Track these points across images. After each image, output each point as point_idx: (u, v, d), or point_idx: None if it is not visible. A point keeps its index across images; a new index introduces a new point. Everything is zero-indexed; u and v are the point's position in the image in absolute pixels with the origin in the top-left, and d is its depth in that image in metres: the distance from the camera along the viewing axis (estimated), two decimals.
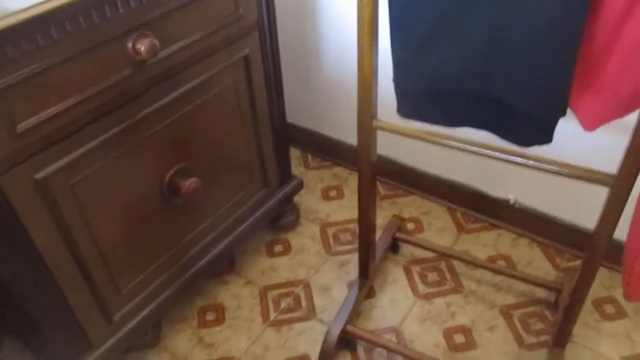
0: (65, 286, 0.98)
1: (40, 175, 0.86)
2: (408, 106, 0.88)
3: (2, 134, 0.79)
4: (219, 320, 1.34)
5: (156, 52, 0.92)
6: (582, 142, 1.21)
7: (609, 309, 1.31)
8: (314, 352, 1.25)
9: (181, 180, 1.09)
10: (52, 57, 0.80)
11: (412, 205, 1.61)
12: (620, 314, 1.30)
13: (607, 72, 0.76)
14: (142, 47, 0.89)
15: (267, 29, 1.17)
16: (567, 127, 1.17)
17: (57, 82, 0.83)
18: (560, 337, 1.15)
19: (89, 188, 0.95)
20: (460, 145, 0.91)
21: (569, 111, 0.81)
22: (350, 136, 1.68)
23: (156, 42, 0.91)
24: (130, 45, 0.89)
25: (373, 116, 0.96)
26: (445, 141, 0.92)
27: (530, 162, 0.87)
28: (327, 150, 1.77)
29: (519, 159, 0.87)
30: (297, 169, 1.74)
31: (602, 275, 1.38)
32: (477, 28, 0.74)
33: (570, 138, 1.23)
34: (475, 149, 0.89)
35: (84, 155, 0.91)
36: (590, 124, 0.81)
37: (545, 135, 0.80)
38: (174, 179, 1.09)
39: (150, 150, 1.03)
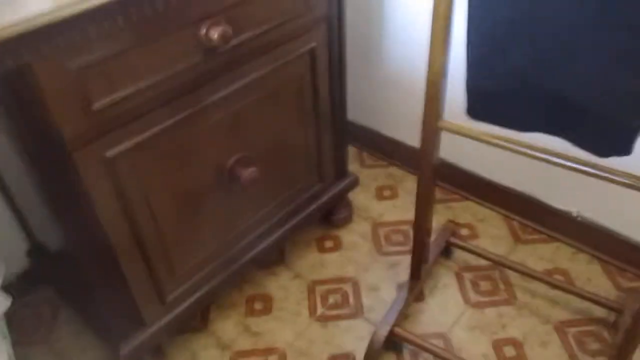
0: (123, 262, 1.01)
1: (110, 153, 0.89)
2: (479, 108, 0.86)
3: (79, 111, 0.81)
4: (266, 310, 1.35)
5: (228, 40, 0.93)
6: None
7: None
8: (359, 351, 1.24)
9: (241, 169, 1.11)
10: (130, 39, 0.83)
11: (467, 211, 1.57)
12: None
13: None
14: (215, 34, 0.90)
15: (335, 24, 1.17)
16: None
17: (132, 64, 0.85)
18: (615, 358, 1.10)
19: (153, 169, 0.97)
20: (528, 150, 0.88)
21: None
22: (408, 137, 1.65)
23: (229, 29, 0.92)
24: (203, 31, 0.91)
25: (439, 116, 0.95)
26: (513, 146, 0.89)
27: (603, 173, 0.83)
28: (383, 149, 1.75)
29: (590, 169, 0.83)
30: (352, 166, 1.73)
31: None
32: (559, 27, 0.72)
33: None
34: (543, 155, 0.86)
35: (150, 137, 0.93)
36: None
37: (624, 145, 0.76)
38: (234, 167, 1.10)
39: (214, 137, 1.05)
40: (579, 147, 0.83)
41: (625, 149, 0.77)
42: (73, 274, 1.15)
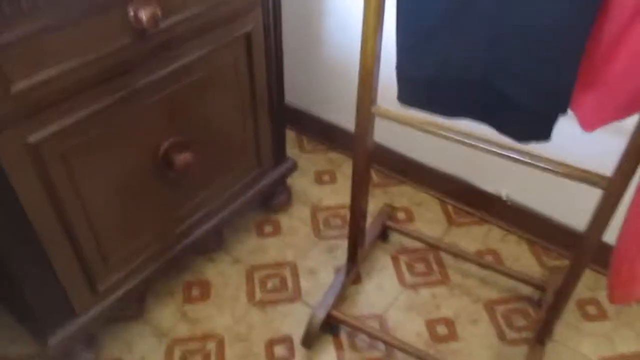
0: (51, 252, 0.97)
1: (32, 139, 0.85)
2: (409, 94, 0.87)
3: (1, 96, 0.77)
4: (204, 296, 1.34)
5: (157, 22, 0.90)
6: (578, 143, 1.21)
7: (591, 310, 1.32)
8: (297, 334, 1.25)
9: (175, 154, 1.08)
10: (52, 18, 0.79)
11: (404, 195, 1.61)
12: (602, 315, 1.31)
13: (609, 73, 0.75)
14: (144, 15, 0.87)
15: (271, 7, 1.16)
16: (564, 127, 1.17)
17: (55, 45, 0.81)
18: (542, 335, 1.16)
19: (80, 155, 0.94)
20: (457, 137, 0.90)
21: (568, 111, 0.81)
22: (347, 121, 1.67)
23: (158, 11, 0.90)
24: (132, 12, 0.88)
25: (372, 102, 0.96)
26: (443, 132, 0.91)
27: (526, 159, 0.87)
28: (323, 134, 1.76)
29: (515, 154, 0.87)
30: (291, 151, 1.74)
31: (587, 276, 1.39)
32: (485, 16, 0.74)
33: (567, 138, 1.23)
34: (471, 141, 0.89)
35: (78, 122, 0.90)
36: (589, 125, 0.81)
37: (543, 132, 0.80)
38: (168, 153, 1.08)
39: (145, 122, 1.02)
40: (501, 133, 0.86)
41: (543, 136, 0.81)
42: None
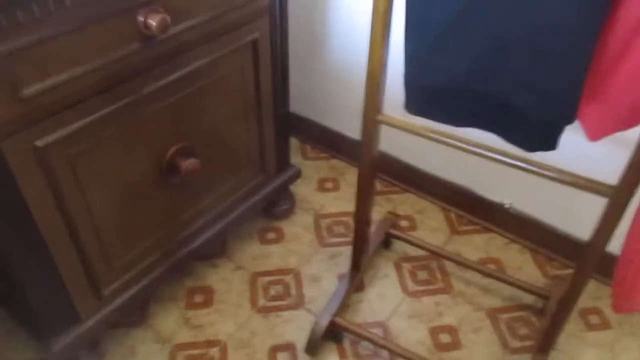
0: (56, 256, 0.97)
1: (40, 143, 0.85)
2: (416, 103, 0.88)
3: (6, 98, 0.78)
4: (207, 303, 1.34)
5: (166, 29, 0.91)
6: (583, 152, 1.22)
7: (594, 319, 1.33)
8: (301, 341, 1.25)
9: (181, 159, 1.09)
10: (63, 24, 0.79)
11: (407, 203, 1.61)
12: (605, 325, 1.31)
13: (613, 85, 0.76)
14: (154, 22, 0.88)
15: (278, 15, 1.17)
16: (570, 136, 1.17)
17: (65, 50, 0.82)
18: (545, 344, 1.16)
19: (88, 160, 0.94)
20: (463, 145, 0.91)
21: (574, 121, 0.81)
22: (350, 129, 1.68)
23: (167, 18, 0.90)
24: (141, 19, 0.88)
25: (379, 110, 0.96)
26: (448, 140, 0.92)
27: (532, 167, 0.87)
28: (326, 141, 1.76)
29: (520, 163, 0.88)
30: (295, 158, 1.74)
31: (590, 286, 1.39)
32: (493, 26, 0.74)
33: (572, 147, 1.23)
34: (477, 150, 0.90)
35: (86, 126, 0.90)
36: (594, 134, 0.82)
37: (550, 141, 0.81)
38: (173, 158, 1.08)
39: (152, 128, 1.03)
40: (508, 142, 0.87)
41: (549, 145, 0.82)
42: (3, 271, 1.09)
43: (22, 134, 0.82)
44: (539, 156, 0.88)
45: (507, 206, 1.46)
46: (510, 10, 0.74)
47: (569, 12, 0.69)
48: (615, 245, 0.93)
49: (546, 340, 1.15)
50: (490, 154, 0.89)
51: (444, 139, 0.92)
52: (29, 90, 0.80)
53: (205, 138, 1.16)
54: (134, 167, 1.03)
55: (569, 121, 0.77)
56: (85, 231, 1.00)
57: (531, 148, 0.84)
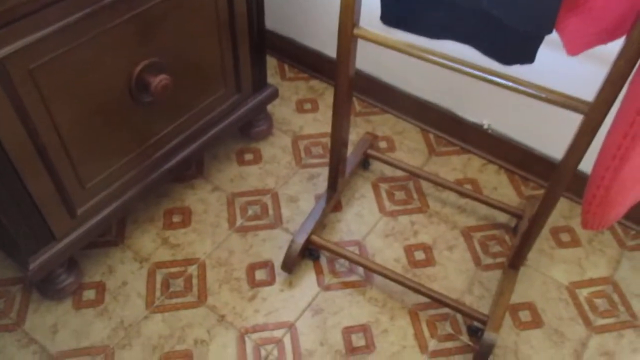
0: (26, 176, 0.95)
1: (5, 60, 0.81)
2: (392, 13, 0.84)
3: None
4: (185, 223, 1.34)
5: None
6: (561, 70, 1.20)
7: (565, 237, 1.36)
8: (278, 259, 1.27)
9: (151, 76, 1.05)
10: None
11: (386, 124, 1.60)
12: (575, 242, 1.35)
13: None
14: None
15: None
16: (548, 53, 1.15)
17: None
18: (515, 260, 1.19)
19: (50, 74, 0.90)
20: (440, 59, 0.88)
21: (553, 37, 0.79)
22: (329, 48, 1.63)
23: None
24: None
25: (355, 24, 0.93)
26: (425, 55, 0.89)
27: (509, 83, 0.85)
28: (305, 61, 1.72)
29: (497, 79, 0.86)
30: (273, 78, 1.70)
31: (562, 205, 1.42)
32: None
33: (550, 65, 1.22)
34: (455, 65, 0.87)
35: (45, 38, 0.86)
36: (573, 48, 0.79)
37: (528, 54, 0.78)
38: (143, 74, 1.05)
39: (117, 41, 0.98)
40: (485, 55, 0.84)
41: (528, 58, 0.80)
42: None
43: None
44: (517, 73, 0.86)
45: (485, 127, 1.46)
46: None
47: None
48: (588, 165, 0.94)
49: (517, 257, 1.19)
50: (467, 69, 0.86)
51: (420, 53, 0.89)
52: None
53: (176, 55, 1.11)
54: (101, 83, 0.99)
55: (547, 31, 0.74)
56: (55, 151, 0.98)
57: (509, 60, 0.82)
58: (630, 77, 0.77)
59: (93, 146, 1.05)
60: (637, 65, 0.76)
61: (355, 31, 0.94)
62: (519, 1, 0.72)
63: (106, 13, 0.93)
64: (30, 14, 0.82)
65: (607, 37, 0.78)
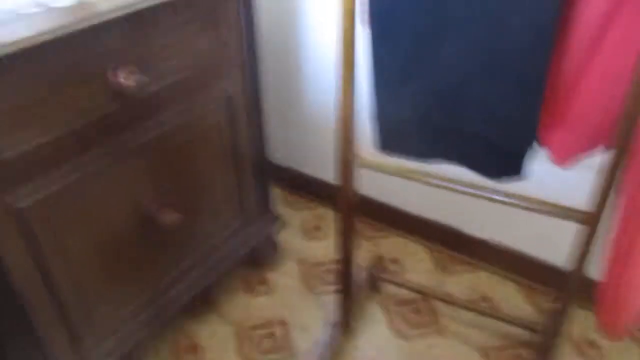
0: (36, 319, 0.95)
1: (19, 204, 0.86)
2: (385, 140, 0.90)
3: None
4: (195, 358, 1.31)
5: (142, 87, 0.94)
6: (558, 180, 1.24)
7: (588, 350, 1.30)
8: None
9: (162, 215, 1.09)
10: (37, 88, 0.82)
11: (393, 245, 1.61)
12: (599, 356, 1.29)
13: (574, 107, 0.79)
14: (127, 81, 0.91)
15: (249, 71, 1.20)
16: (545, 165, 1.19)
17: (41, 112, 0.84)
18: None
19: (67, 220, 0.94)
20: (433, 180, 0.92)
21: (535, 147, 0.83)
22: (332, 176, 1.70)
23: (143, 77, 0.93)
24: (114, 79, 0.91)
25: (352, 151, 0.98)
26: (419, 177, 0.94)
27: (507, 199, 0.88)
28: (311, 190, 1.78)
29: (494, 195, 0.89)
30: (279, 208, 1.75)
31: (585, 317, 1.38)
32: (451, 59, 0.78)
33: (549, 176, 1.25)
34: (446, 184, 0.91)
35: (65, 186, 0.91)
36: (560, 160, 0.84)
37: (514, 168, 0.82)
38: (155, 214, 1.09)
39: (131, 184, 1.04)
40: (474, 172, 0.88)
41: (514, 172, 0.83)
42: None
43: (1, 195, 0.83)
44: (513, 187, 0.89)
45: (488, 240, 1.46)
46: (464, 40, 0.77)
47: (522, 37, 0.72)
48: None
49: None
50: (458, 187, 0.90)
51: (414, 175, 0.94)
52: (7, 153, 0.81)
53: (185, 192, 1.17)
54: (115, 225, 1.03)
55: (528, 146, 0.78)
56: (67, 292, 0.99)
57: (496, 176, 0.86)
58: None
59: (105, 287, 1.07)
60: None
61: (353, 158, 0.99)
62: (499, 121, 0.78)
63: (121, 161, 0.99)
64: (53, 165, 0.88)
65: (590, 146, 0.83)
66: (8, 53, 0.75)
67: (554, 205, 0.87)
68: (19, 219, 0.86)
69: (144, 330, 1.17)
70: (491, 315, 1.34)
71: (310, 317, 1.41)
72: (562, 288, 0.98)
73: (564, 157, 0.82)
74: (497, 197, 0.89)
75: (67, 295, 1.00)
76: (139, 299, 1.15)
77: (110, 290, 1.08)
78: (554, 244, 1.38)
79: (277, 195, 1.80)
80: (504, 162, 0.82)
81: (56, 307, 0.99)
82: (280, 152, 1.77)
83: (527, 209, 0.88)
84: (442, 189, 0.93)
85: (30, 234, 0.89)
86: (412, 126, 0.86)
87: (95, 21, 0.85)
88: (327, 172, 1.71)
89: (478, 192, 0.90)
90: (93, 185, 0.96)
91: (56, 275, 0.96)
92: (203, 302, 1.43)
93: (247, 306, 1.44)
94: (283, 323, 1.39)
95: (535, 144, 0.80)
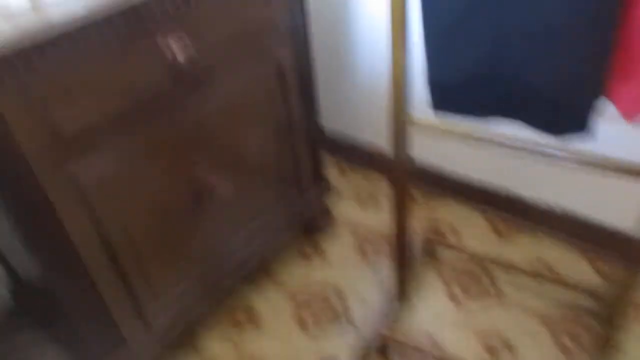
0: (100, 284, 0.99)
1: (82, 177, 0.89)
2: (440, 99, 0.87)
3: (44, 134, 0.82)
4: (253, 324, 1.34)
5: (191, 57, 0.94)
6: (625, 139, 1.17)
7: None
8: (348, 357, 1.23)
9: (216, 184, 1.11)
10: (94, 62, 0.84)
11: (449, 212, 1.58)
12: None
13: None
14: (180, 51, 0.91)
15: (301, 37, 1.19)
16: (609, 124, 1.12)
17: (99, 87, 0.86)
18: (605, 346, 1.10)
19: (124, 191, 0.97)
20: (494, 139, 0.89)
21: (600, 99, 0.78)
22: (386, 142, 1.67)
23: (193, 47, 0.93)
24: (167, 49, 0.92)
25: (405, 114, 0.96)
26: (477, 135, 0.90)
27: (562, 154, 0.83)
28: (364, 157, 1.76)
29: (551, 150, 0.84)
30: (332, 175, 1.75)
31: None
32: (507, 12, 0.74)
33: (612, 135, 1.18)
34: (509, 142, 0.87)
35: (123, 158, 0.94)
36: (629, 115, 0.78)
37: (579, 124, 0.78)
38: (209, 183, 1.11)
39: (186, 155, 1.05)
40: (534, 128, 0.84)
41: (579, 127, 0.78)
42: (54, 305, 1.13)
43: (60, 167, 0.86)
44: (580, 148, 0.84)
45: (551, 205, 1.41)
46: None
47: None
48: None
49: (605, 342, 1.09)
50: (520, 144, 0.86)
51: (471, 135, 0.91)
52: (66, 129, 0.84)
53: (239, 161, 1.18)
54: (170, 195, 1.05)
55: (594, 99, 0.74)
56: (127, 259, 1.02)
57: (561, 132, 0.81)
58: None
59: (163, 253, 1.10)
60: None
61: (406, 120, 0.97)
62: (558, 72, 0.73)
63: (176, 131, 1.01)
64: (110, 136, 0.91)
65: None
66: (68, 30, 0.77)
67: (623, 163, 0.82)
68: (79, 188, 0.89)
69: (204, 299, 1.21)
70: (554, 281, 1.30)
71: (366, 285, 1.41)
72: (630, 254, 0.93)
73: (635, 113, 0.76)
74: (560, 154, 0.84)
75: (127, 262, 1.03)
76: (198, 270, 1.18)
77: (169, 261, 1.11)
78: (621, 208, 1.31)
79: (331, 164, 1.80)
80: (569, 117, 0.77)
81: (117, 273, 1.02)
82: (334, 121, 1.76)
83: (592, 165, 0.83)
84: (499, 152, 0.89)
85: (91, 207, 0.92)
86: (468, 82, 0.82)
87: None
88: (381, 139, 1.68)
89: (539, 149, 0.86)
90: (149, 159, 0.98)
91: (115, 242, 0.99)
92: (260, 272, 1.46)
93: (304, 275, 1.45)
94: (339, 292, 1.40)
95: (601, 99, 0.75)
